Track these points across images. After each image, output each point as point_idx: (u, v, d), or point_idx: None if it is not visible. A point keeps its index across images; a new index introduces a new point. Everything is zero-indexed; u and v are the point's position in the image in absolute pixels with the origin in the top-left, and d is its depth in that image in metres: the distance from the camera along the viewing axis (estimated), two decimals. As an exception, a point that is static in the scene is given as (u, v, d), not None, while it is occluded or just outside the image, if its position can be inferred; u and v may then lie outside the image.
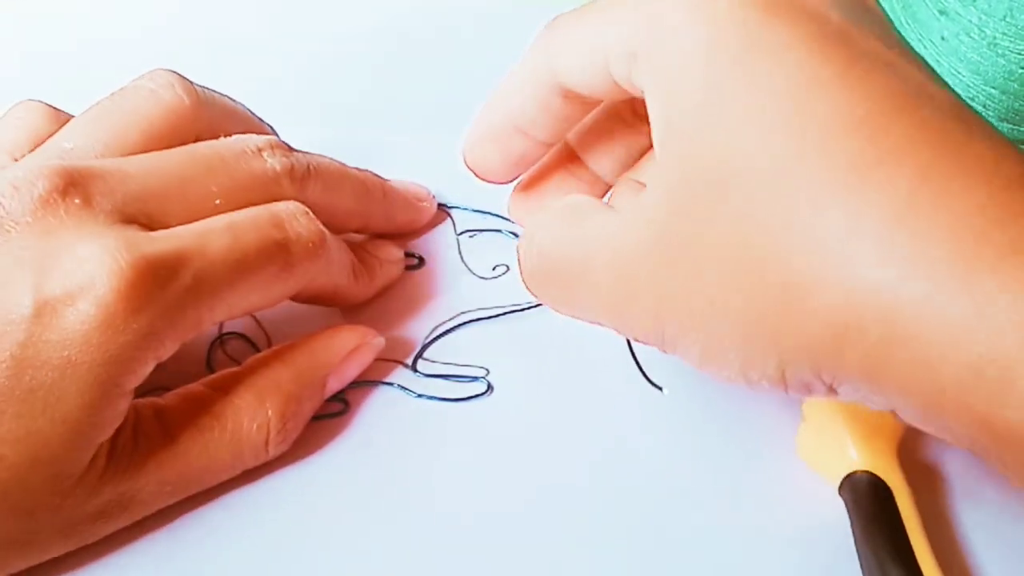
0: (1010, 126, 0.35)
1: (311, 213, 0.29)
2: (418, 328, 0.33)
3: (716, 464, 0.29)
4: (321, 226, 0.29)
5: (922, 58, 0.22)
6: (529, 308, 0.33)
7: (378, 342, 0.31)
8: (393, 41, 0.43)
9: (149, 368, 0.25)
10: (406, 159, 0.37)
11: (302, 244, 0.28)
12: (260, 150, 0.29)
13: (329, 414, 0.30)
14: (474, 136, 0.29)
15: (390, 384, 0.31)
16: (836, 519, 0.27)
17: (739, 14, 0.21)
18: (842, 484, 0.27)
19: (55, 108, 0.30)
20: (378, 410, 0.31)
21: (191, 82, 0.30)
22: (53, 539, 0.26)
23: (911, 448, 0.28)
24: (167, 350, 0.26)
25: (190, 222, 0.27)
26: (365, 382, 0.31)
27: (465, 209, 0.36)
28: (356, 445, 0.30)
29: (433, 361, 0.32)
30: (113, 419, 0.25)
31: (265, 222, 0.27)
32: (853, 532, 0.26)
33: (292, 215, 0.28)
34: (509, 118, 0.27)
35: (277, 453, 0.29)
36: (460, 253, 0.35)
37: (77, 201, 0.25)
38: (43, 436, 0.24)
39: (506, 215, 0.32)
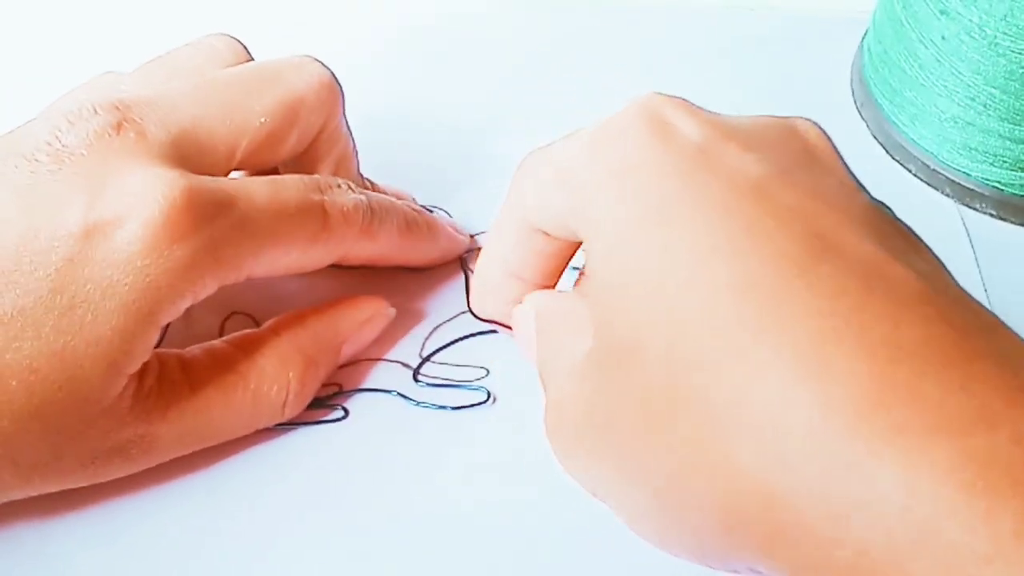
0: (1011, 126, 0.35)
1: (348, 183, 0.30)
2: (418, 327, 0.33)
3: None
4: (361, 196, 0.30)
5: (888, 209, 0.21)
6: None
7: (390, 312, 0.32)
8: (385, 44, 0.43)
9: (185, 304, 0.26)
10: (405, 160, 0.37)
11: (338, 208, 0.29)
12: (302, 64, 0.30)
13: (329, 420, 0.30)
14: (474, 292, 0.30)
15: (388, 392, 0.31)
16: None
17: (656, 180, 0.21)
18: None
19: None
20: (377, 417, 0.30)
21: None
22: (74, 468, 0.26)
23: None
24: (205, 287, 0.26)
25: (239, 144, 0.28)
26: (366, 389, 0.31)
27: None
28: (356, 451, 0.30)
29: (433, 362, 0.32)
30: (142, 351, 0.25)
31: (305, 184, 0.28)
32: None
33: (330, 184, 0.29)
34: (501, 267, 0.28)
35: (291, 415, 0.29)
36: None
37: (132, 135, 0.26)
38: (77, 355, 0.24)
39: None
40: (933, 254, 0.21)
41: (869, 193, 0.21)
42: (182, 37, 0.32)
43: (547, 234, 0.26)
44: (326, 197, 0.28)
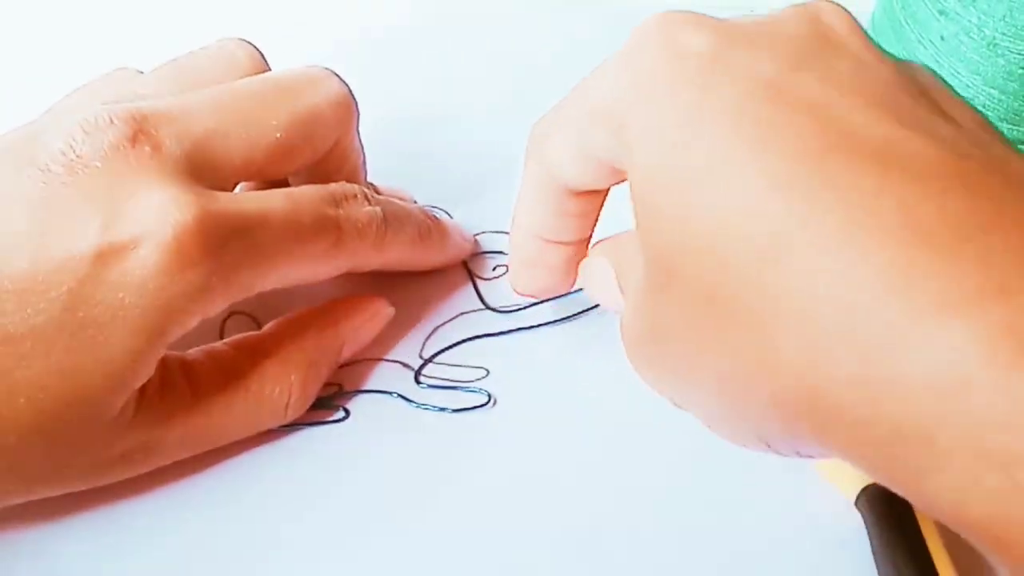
0: (1009, 126, 0.35)
1: (370, 194, 0.30)
2: (419, 327, 0.33)
3: (728, 475, 0.29)
4: (376, 208, 0.30)
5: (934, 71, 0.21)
6: (529, 308, 0.33)
7: (390, 312, 0.32)
8: (386, 44, 0.43)
9: (194, 323, 0.26)
10: (405, 161, 0.37)
11: (352, 223, 0.29)
12: (320, 79, 0.30)
13: (330, 421, 0.30)
14: (515, 270, 0.30)
15: (389, 393, 0.31)
16: (853, 531, 0.27)
17: (673, 98, 0.21)
18: (859, 496, 0.27)
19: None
20: (378, 418, 0.30)
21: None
22: (76, 476, 0.26)
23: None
24: (215, 307, 0.26)
25: (253, 158, 0.28)
26: (367, 391, 0.31)
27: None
28: (357, 452, 0.30)
29: (433, 362, 0.32)
30: (150, 367, 0.26)
31: (321, 198, 0.28)
32: (871, 544, 0.26)
33: (345, 195, 0.29)
34: (536, 237, 0.28)
35: (293, 417, 0.29)
36: None
37: (147, 149, 0.25)
38: (86, 373, 0.24)
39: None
40: (966, 107, 0.21)
41: (894, 59, 0.21)
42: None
43: (582, 193, 0.26)
44: (341, 211, 0.28)
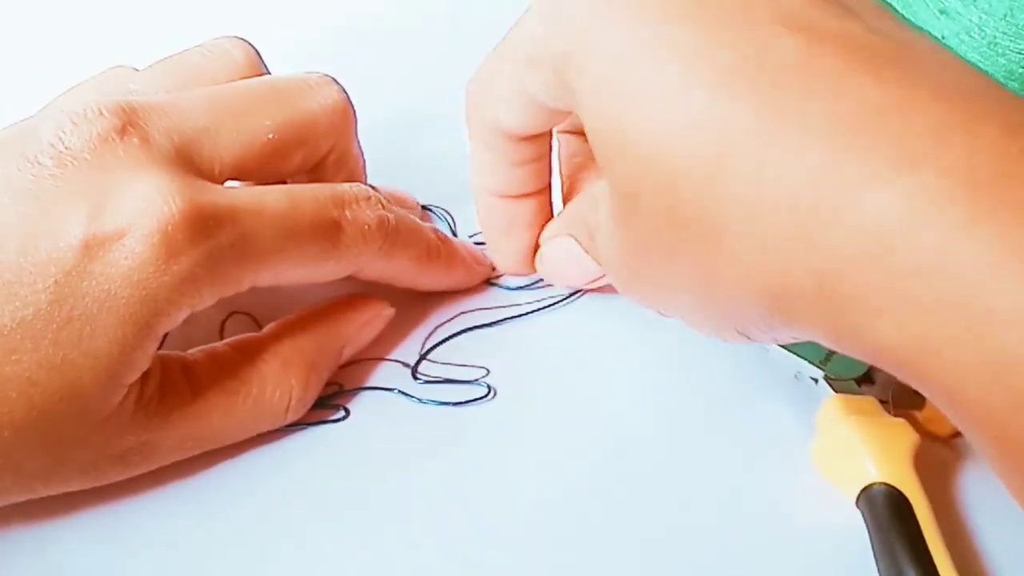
0: (1010, 126, 0.35)
1: (378, 198, 0.29)
2: (419, 327, 0.33)
3: (728, 474, 0.29)
4: (387, 214, 0.29)
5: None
6: (530, 307, 0.33)
7: (389, 312, 0.32)
8: (386, 42, 0.43)
9: (183, 315, 0.26)
10: (403, 157, 0.37)
11: (357, 227, 0.28)
12: (318, 84, 0.30)
13: (330, 420, 0.30)
14: (491, 245, 0.31)
15: (390, 390, 0.31)
16: (853, 531, 0.27)
17: (604, 27, 0.22)
18: (859, 496, 0.27)
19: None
20: (379, 416, 0.30)
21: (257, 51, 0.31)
22: (74, 475, 0.26)
23: (927, 459, 0.28)
24: (204, 300, 0.26)
25: (244, 158, 0.27)
26: (366, 388, 0.31)
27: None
28: (357, 451, 0.30)
29: (433, 362, 0.32)
30: (142, 361, 0.25)
31: (326, 198, 0.28)
32: (872, 544, 0.26)
33: (355, 197, 0.29)
34: (500, 197, 0.29)
35: (294, 419, 0.29)
36: None
37: (135, 141, 0.25)
38: (76, 367, 0.24)
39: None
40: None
41: None
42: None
43: (526, 137, 0.27)
44: (347, 213, 0.28)
